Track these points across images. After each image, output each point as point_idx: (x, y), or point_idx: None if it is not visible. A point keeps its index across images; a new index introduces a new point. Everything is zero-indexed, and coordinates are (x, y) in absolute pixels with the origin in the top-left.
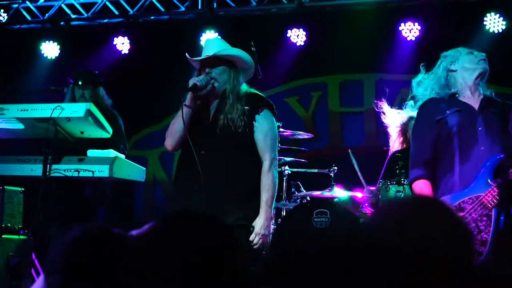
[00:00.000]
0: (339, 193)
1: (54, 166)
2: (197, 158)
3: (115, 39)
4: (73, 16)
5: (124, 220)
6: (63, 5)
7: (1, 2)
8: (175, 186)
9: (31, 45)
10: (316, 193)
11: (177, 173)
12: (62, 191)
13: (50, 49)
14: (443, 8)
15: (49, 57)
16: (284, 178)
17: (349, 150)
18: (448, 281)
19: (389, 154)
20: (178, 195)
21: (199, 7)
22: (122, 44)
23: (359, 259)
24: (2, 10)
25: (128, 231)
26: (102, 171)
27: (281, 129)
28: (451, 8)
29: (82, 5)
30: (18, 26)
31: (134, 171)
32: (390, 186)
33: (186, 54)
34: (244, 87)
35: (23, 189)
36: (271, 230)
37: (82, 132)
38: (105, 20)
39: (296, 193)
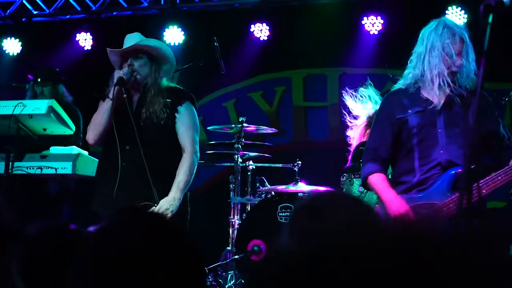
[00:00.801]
0: (303, 187)
1: (16, 164)
2: (120, 152)
3: (77, 35)
4: (35, 12)
5: (89, 216)
6: (24, 1)
7: None
8: (98, 180)
9: None
10: (281, 187)
11: (99, 166)
12: (26, 189)
13: (11, 46)
14: (406, 1)
15: (10, 54)
16: (249, 173)
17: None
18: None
19: (353, 147)
20: (100, 188)
21: (162, 2)
22: (85, 40)
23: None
24: None
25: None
26: (65, 168)
27: (245, 124)
28: (414, 1)
29: (44, 0)
30: None
31: None
32: (354, 180)
33: (107, 47)
34: (165, 81)
35: None
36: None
37: (44, 129)
38: (67, 16)
39: (261, 188)
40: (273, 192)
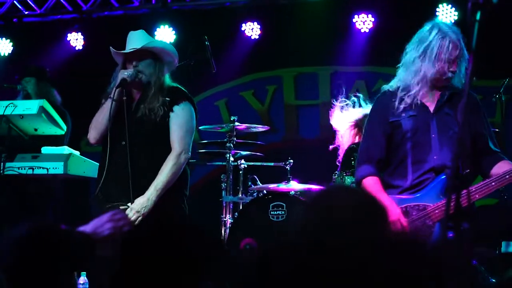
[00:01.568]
0: (295, 186)
1: (8, 164)
2: (116, 148)
3: (68, 35)
4: (26, 12)
5: (78, 216)
6: (15, 1)
7: None
8: (98, 177)
9: None
10: (273, 186)
11: (100, 165)
12: (15, 188)
13: (2, 46)
14: None
15: (1, 54)
16: (240, 172)
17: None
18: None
19: (344, 147)
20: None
21: (153, 2)
22: (76, 40)
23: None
24: None
25: (80, 226)
26: (56, 168)
27: (236, 123)
28: None
29: (35, 1)
30: None
31: (90, 168)
32: (346, 177)
33: (111, 47)
34: (167, 80)
35: None
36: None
37: (35, 129)
38: (58, 16)
39: (253, 186)
40: (265, 191)
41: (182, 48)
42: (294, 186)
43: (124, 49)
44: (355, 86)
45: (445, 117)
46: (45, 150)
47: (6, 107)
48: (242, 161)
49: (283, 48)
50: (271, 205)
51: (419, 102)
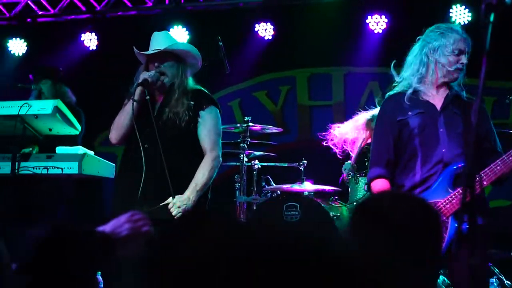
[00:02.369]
0: (309, 186)
1: (22, 164)
2: (142, 151)
3: (82, 35)
4: (40, 13)
5: (92, 216)
6: (29, 1)
7: None
8: (117, 179)
9: None
10: (286, 186)
11: (120, 166)
12: (30, 188)
13: (17, 46)
14: (410, 0)
15: (16, 54)
16: (254, 172)
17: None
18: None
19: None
20: (120, 188)
21: (166, 2)
22: (90, 40)
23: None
24: None
25: (96, 227)
26: (71, 168)
27: (250, 124)
28: (418, 0)
29: (49, 1)
30: None
31: (104, 168)
32: (360, 178)
33: (134, 47)
34: (191, 83)
35: None
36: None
37: (50, 129)
38: (72, 16)
39: (266, 187)
40: (278, 191)
41: (196, 48)
42: (308, 186)
43: (147, 48)
44: (369, 87)
45: (452, 115)
46: (60, 150)
47: (21, 107)
48: (256, 161)
49: (297, 48)
50: (285, 205)
51: (426, 100)
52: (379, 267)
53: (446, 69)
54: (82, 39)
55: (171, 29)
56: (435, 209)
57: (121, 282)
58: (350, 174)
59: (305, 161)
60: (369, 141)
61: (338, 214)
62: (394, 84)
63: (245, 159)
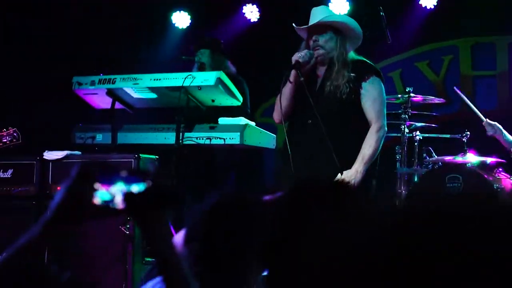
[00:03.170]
0: (471, 158)
1: (186, 134)
2: (303, 127)
3: (244, 7)
4: None
5: (254, 186)
6: None
7: None
8: (283, 154)
9: (163, 15)
10: (448, 158)
11: (287, 143)
12: (194, 158)
13: (181, 19)
14: None
15: (180, 27)
16: (415, 143)
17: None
18: None
19: None
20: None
21: None
22: (251, 12)
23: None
24: None
25: (259, 198)
26: (233, 138)
27: (412, 94)
28: None
29: None
30: None
31: (265, 138)
32: None
33: (293, 24)
34: (352, 54)
35: (157, 157)
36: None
37: (213, 100)
38: None
39: (428, 158)
40: (440, 163)
41: (357, 19)
42: (471, 158)
43: (307, 23)
44: None
45: None
46: (222, 121)
47: (185, 78)
48: (417, 132)
49: (460, 17)
50: (447, 177)
51: None
52: None
53: None
54: (243, 11)
55: (330, 2)
56: None
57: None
58: None
59: (468, 132)
60: None
61: (503, 187)
62: None
63: (406, 130)
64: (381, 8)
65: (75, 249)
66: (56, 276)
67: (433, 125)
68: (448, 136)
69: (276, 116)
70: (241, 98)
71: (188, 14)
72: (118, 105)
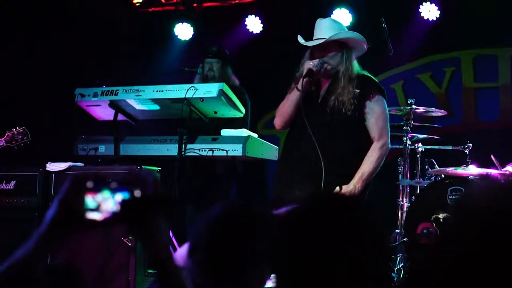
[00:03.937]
0: (474, 170)
1: (189, 146)
2: (313, 137)
3: (246, 19)
4: None
5: (256, 197)
6: None
7: None
8: (280, 164)
9: (165, 27)
10: (451, 170)
11: (283, 151)
12: (196, 169)
13: (183, 31)
14: None
15: (182, 39)
16: (418, 155)
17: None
18: None
19: None
20: (283, 173)
21: None
22: (253, 24)
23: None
24: None
25: (263, 208)
26: (235, 150)
27: (414, 106)
28: None
29: None
30: (153, 8)
31: (267, 150)
32: None
33: (299, 37)
34: (356, 68)
35: (159, 168)
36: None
37: (215, 112)
38: (237, 1)
39: (430, 170)
40: (442, 175)
41: (359, 31)
42: (473, 170)
43: (311, 34)
44: None
45: None
46: (225, 132)
47: (188, 90)
48: (420, 144)
49: (462, 29)
50: (449, 189)
51: None
52: None
53: None
54: (246, 23)
55: (334, 11)
56: None
57: None
58: None
59: (470, 144)
60: None
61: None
62: None
63: (409, 142)
64: (383, 19)
65: (77, 261)
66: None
67: (436, 137)
68: (450, 148)
69: (278, 121)
70: (243, 110)
71: (191, 26)
72: (120, 117)
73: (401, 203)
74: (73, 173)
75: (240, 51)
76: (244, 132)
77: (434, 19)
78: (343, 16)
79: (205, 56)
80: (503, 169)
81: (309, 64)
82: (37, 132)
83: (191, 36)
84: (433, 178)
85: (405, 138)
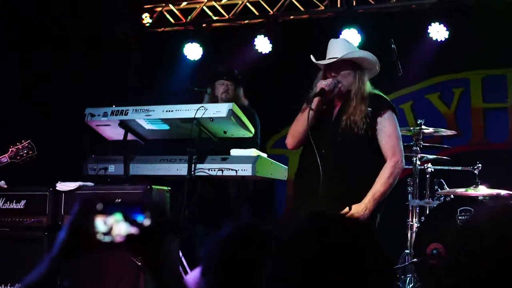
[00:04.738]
0: (483, 190)
1: (198, 165)
2: (318, 157)
3: (255, 39)
4: (215, 18)
5: (266, 217)
6: (204, 7)
7: (145, 6)
8: (295, 184)
9: (175, 47)
10: (460, 190)
11: (298, 171)
12: (206, 189)
13: (193, 51)
14: None
15: (191, 59)
16: (427, 175)
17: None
18: None
19: None
20: (297, 193)
21: (338, 5)
22: (262, 44)
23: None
24: (146, 14)
25: (272, 228)
26: (245, 169)
27: (423, 126)
28: None
29: (223, 6)
30: (162, 28)
31: (277, 170)
32: None
33: (311, 56)
34: (369, 87)
35: (169, 188)
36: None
37: (225, 132)
38: (246, 21)
39: (439, 190)
40: (452, 195)
41: (368, 51)
42: (483, 191)
43: (322, 53)
44: None
45: None
46: (234, 152)
47: (197, 110)
48: (429, 164)
49: (471, 49)
50: (459, 209)
51: None
52: None
53: None
54: (255, 43)
55: (343, 32)
56: None
57: None
58: None
59: (480, 165)
60: None
61: None
62: None
63: (418, 162)
64: (392, 40)
65: (88, 279)
66: None
67: (445, 157)
68: (459, 168)
69: (290, 141)
70: (253, 130)
71: (200, 46)
72: (130, 136)
73: (411, 223)
74: (83, 193)
75: (249, 71)
76: (253, 152)
77: (443, 39)
78: (352, 36)
79: (219, 77)
80: None
81: (322, 83)
82: (47, 151)
83: (200, 56)
84: (442, 198)
85: (415, 158)
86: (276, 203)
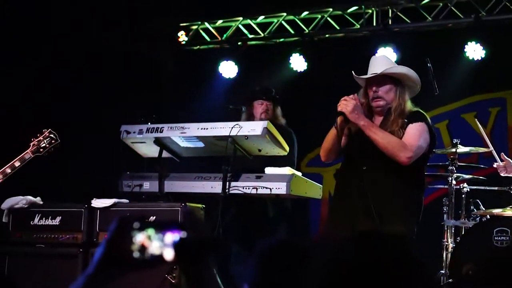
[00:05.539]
0: None
1: (233, 183)
2: (358, 173)
3: (290, 58)
4: (250, 36)
5: (301, 236)
6: (240, 26)
7: (181, 24)
8: (334, 202)
9: (210, 65)
10: (496, 211)
11: (337, 188)
12: (240, 207)
13: (228, 69)
14: None
15: (227, 77)
16: (463, 195)
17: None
18: None
19: None
20: (337, 211)
21: (374, 24)
22: (298, 63)
23: None
24: (182, 32)
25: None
26: (280, 188)
27: (459, 146)
28: None
29: (259, 25)
30: (198, 46)
31: (311, 188)
32: None
33: (353, 72)
34: (409, 105)
35: (204, 206)
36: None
37: (259, 150)
38: (281, 39)
39: (475, 210)
40: (488, 216)
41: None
42: None
43: (362, 72)
44: None
45: None
46: (269, 170)
47: (232, 128)
48: (465, 184)
49: (507, 69)
50: (495, 230)
51: None
52: None
53: None
54: (290, 61)
55: (378, 50)
56: None
57: None
58: None
59: None
60: None
61: None
62: None
63: (454, 182)
64: (428, 59)
65: None
66: None
67: (481, 177)
68: (496, 188)
69: (323, 155)
70: (287, 148)
71: (235, 64)
72: (165, 154)
73: (446, 243)
74: (119, 209)
75: (284, 90)
76: (288, 170)
77: (479, 58)
78: (388, 55)
79: (257, 97)
80: None
81: (340, 106)
82: (83, 167)
83: (235, 74)
84: (478, 218)
85: (450, 178)
86: (310, 222)
